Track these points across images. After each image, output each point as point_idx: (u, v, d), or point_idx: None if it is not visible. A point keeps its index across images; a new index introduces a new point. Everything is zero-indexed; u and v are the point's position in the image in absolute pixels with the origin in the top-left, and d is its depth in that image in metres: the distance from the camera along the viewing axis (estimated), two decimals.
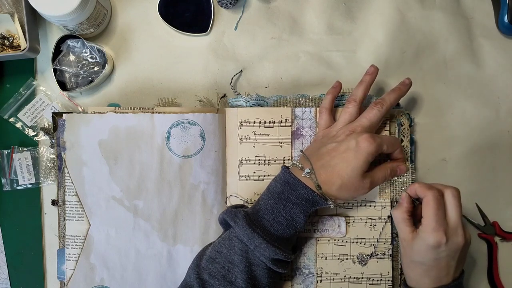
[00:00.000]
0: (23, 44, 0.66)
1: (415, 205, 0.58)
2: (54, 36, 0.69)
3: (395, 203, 0.63)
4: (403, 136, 0.64)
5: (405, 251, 0.57)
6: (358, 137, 0.56)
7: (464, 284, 0.65)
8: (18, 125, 0.69)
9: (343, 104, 0.64)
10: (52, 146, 0.68)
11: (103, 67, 0.67)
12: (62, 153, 0.64)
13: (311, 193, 0.55)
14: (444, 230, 0.53)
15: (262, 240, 0.54)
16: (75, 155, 0.64)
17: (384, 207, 0.63)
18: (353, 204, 0.64)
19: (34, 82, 0.69)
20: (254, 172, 0.64)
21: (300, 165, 0.58)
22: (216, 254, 0.57)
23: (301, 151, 0.63)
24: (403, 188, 0.59)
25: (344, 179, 0.55)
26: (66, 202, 0.64)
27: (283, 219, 0.56)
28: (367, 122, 0.59)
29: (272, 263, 0.55)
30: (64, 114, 0.64)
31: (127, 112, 0.64)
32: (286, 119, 0.64)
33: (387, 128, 0.64)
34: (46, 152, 0.69)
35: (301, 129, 0.64)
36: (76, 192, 0.64)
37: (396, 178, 0.63)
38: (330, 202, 0.56)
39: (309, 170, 0.56)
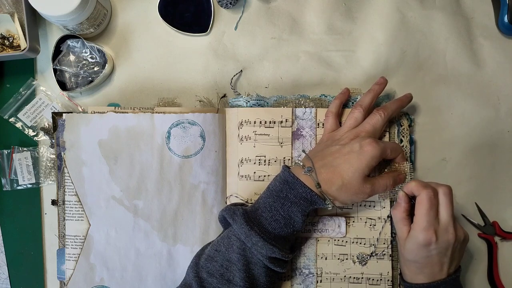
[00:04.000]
0: (23, 44, 0.66)
1: (412, 203, 0.58)
2: (54, 36, 0.69)
3: (394, 203, 0.63)
4: (403, 136, 0.64)
5: (400, 250, 0.59)
6: (362, 141, 0.57)
7: (463, 283, 0.65)
8: (18, 125, 0.69)
9: (346, 106, 0.64)
10: (52, 146, 0.68)
11: (103, 67, 0.67)
12: (62, 153, 0.64)
13: (310, 192, 0.56)
14: (434, 229, 0.54)
15: (259, 238, 0.54)
16: (74, 155, 0.64)
17: (384, 207, 0.63)
18: (353, 205, 0.64)
19: (34, 82, 0.69)
20: (255, 172, 0.64)
21: (301, 163, 0.58)
22: (215, 252, 0.57)
23: (303, 151, 0.63)
24: (400, 187, 0.60)
25: (345, 180, 0.56)
26: (66, 202, 0.64)
27: (281, 217, 0.56)
28: (371, 127, 0.59)
29: (269, 262, 0.55)
30: (63, 114, 0.64)
31: (127, 112, 0.64)
32: (286, 120, 0.64)
33: (387, 129, 0.64)
34: (46, 152, 0.69)
35: (302, 130, 0.64)
36: (76, 192, 0.64)
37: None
38: (328, 203, 0.56)
39: (310, 168, 0.57)
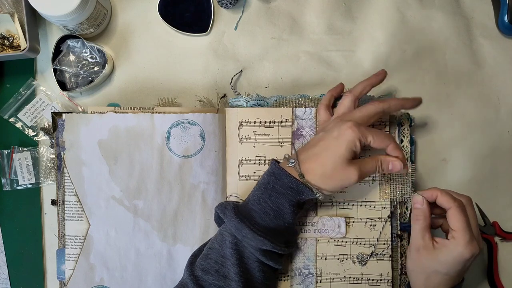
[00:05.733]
0: (23, 44, 0.66)
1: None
2: (54, 36, 0.69)
3: (395, 203, 0.63)
4: (403, 137, 0.64)
5: (421, 260, 0.55)
6: (342, 125, 0.55)
7: (464, 285, 0.66)
8: (18, 125, 0.69)
9: None
10: (52, 146, 0.68)
11: (103, 67, 0.67)
12: (62, 153, 0.64)
13: (295, 182, 0.55)
14: (477, 242, 0.52)
15: (249, 230, 0.54)
16: (74, 155, 0.64)
17: (384, 208, 0.63)
18: (353, 205, 0.64)
19: (34, 82, 0.69)
20: (254, 172, 0.64)
21: (287, 156, 0.59)
22: (209, 250, 0.58)
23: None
24: (414, 191, 0.58)
25: (326, 167, 0.55)
26: (65, 202, 0.64)
27: (270, 209, 0.56)
28: (359, 114, 0.58)
29: (261, 254, 0.55)
30: (63, 114, 0.64)
31: (127, 112, 0.64)
32: (286, 119, 0.64)
33: (387, 128, 0.64)
34: (46, 152, 0.69)
35: (302, 130, 0.64)
36: (75, 192, 0.63)
37: (394, 175, 0.63)
38: (316, 192, 0.56)
39: (294, 160, 0.57)
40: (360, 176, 0.55)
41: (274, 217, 0.56)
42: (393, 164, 0.57)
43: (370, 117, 0.58)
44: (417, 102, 0.61)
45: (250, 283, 0.56)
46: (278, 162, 0.59)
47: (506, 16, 0.67)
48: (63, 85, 0.67)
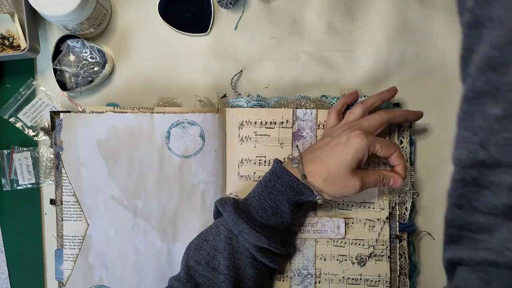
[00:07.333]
0: (23, 44, 0.66)
1: None
2: (54, 36, 0.69)
3: (393, 204, 0.63)
4: (403, 137, 0.64)
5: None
6: (350, 132, 0.57)
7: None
8: (18, 125, 0.69)
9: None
10: (52, 146, 0.68)
11: (103, 67, 0.67)
12: (60, 153, 0.64)
13: (296, 181, 0.56)
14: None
15: (246, 225, 0.55)
16: (72, 155, 0.64)
17: (383, 209, 0.63)
18: (352, 206, 0.64)
19: (34, 82, 0.69)
20: (255, 173, 0.64)
21: (291, 157, 0.59)
22: (203, 242, 0.58)
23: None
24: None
25: (331, 172, 0.55)
26: (63, 202, 0.64)
27: (268, 206, 0.57)
28: (366, 123, 0.59)
29: (255, 250, 0.56)
30: (61, 114, 0.64)
31: (126, 112, 0.64)
32: (287, 120, 0.64)
33: (386, 130, 0.64)
34: (46, 152, 0.69)
35: (302, 131, 0.64)
36: (74, 192, 0.63)
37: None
38: (316, 194, 0.56)
39: (297, 161, 0.57)
40: (361, 188, 0.57)
41: (272, 214, 0.57)
42: (394, 180, 0.59)
43: (377, 127, 0.59)
44: (419, 115, 0.63)
45: (241, 279, 0.56)
46: (281, 162, 0.60)
47: None
48: (63, 85, 0.67)
